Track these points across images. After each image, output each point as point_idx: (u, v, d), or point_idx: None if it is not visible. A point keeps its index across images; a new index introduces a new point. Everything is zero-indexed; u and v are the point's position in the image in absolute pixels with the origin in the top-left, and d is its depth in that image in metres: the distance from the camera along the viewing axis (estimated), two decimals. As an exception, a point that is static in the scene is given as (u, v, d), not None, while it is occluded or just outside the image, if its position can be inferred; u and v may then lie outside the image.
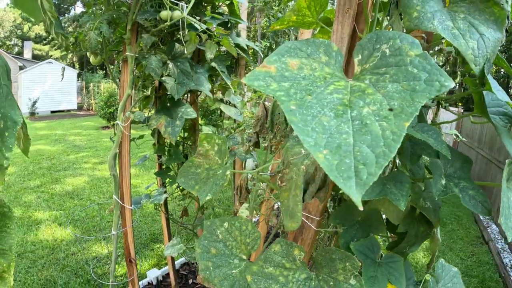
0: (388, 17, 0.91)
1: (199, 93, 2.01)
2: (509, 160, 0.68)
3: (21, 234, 3.45)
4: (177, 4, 1.43)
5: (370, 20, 0.84)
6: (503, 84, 13.48)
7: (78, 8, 32.24)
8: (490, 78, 0.68)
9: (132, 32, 1.56)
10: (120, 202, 1.71)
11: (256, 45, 2.22)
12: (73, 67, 26.07)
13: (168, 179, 1.97)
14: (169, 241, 1.89)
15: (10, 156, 0.63)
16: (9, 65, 0.70)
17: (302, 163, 0.68)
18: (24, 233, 3.48)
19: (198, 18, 1.65)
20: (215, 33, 1.61)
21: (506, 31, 0.72)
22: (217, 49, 1.63)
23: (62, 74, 1.97)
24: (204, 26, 1.54)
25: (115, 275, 2.31)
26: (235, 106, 1.91)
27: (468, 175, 0.82)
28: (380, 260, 0.82)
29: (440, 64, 1.04)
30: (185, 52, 1.61)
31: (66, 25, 26.86)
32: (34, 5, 1.09)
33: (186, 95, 1.98)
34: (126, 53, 1.57)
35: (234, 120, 2.03)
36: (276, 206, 2.24)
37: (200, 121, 2.30)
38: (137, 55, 1.58)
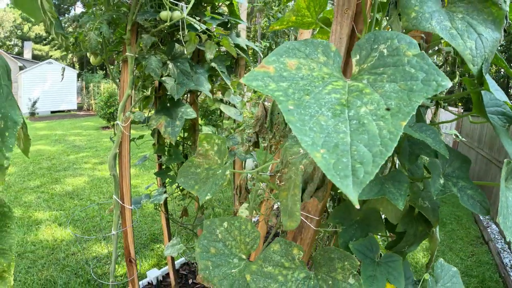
0: (387, 18, 0.91)
1: (199, 93, 2.02)
2: (507, 160, 0.69)
3: (21, 234, 3.45)
4: (177, 5, 1.43)
5: (369, 20, 0.85)
6: (503, 84, 13.48)
7: (78, 9, 32.27)
8: (488, 77, 0.68)
9: (132, 32, 1.56)
10: (120, 202, 1.71)
11: (256, 45, 2.22)
12: (73, 67, 26.08)
13: (168, 179, 1.97)
14: (169, 241, 1.89)
15: (11, 156, 0.63)
16: (9, 65, 0.70)
17: (301, 162, 0.68)
18: (24, 233, 3.48)
19: (198, 18, 1.65)
20: (215, 34, 1.61)
21: (505, 31, 0.73)
22: (217, 49, 1.63)
23: (62, 74, 1.97)
24: (204, 27, 1.55)
25: (115, 275, 2.31)
26: (234, 106, 1.91)
27: (466, 175, 0.82)
28: (379, 259, 0.82)
29: (439, 64, 1.04)
30: (185, 52, 1.61)
31: (66, 25, 26.87)
32: (34, 5, 1.10)
33: (186, 95, 1.98)
34: (126, 54, 1.58)
35: (234, 120, 2.04)
36: (276, 206, 2.24)
37: (200, 121, 2.31)
38: (137, 56, 1.58)
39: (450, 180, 0.79)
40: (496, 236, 3.87)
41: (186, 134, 2.04)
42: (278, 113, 1.00)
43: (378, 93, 0.43)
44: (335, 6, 0.86)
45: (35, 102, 14.26)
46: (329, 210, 1.12)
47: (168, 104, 1.67)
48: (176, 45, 1.62)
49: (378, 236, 1.17)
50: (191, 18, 1.51)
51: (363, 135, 0.37)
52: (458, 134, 1.51)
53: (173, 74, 1.55)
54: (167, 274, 2.51)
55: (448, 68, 1.01)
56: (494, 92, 0.68)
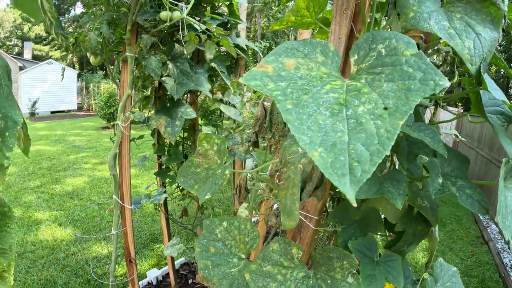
0: (386, 18, 0.92)
1: (198, 93, 2.02)
2: (506, 159, 0.69)
3: (21, 234, 3.45)
4: (176, 5, 1.44)
5: (368, 20, 0.85)
6: (502, 84, 13.48)
7: (78, 9, 32.27)
8: (486, 77, 0.68)
9: (132, 32, 1.57)
10: (120, 202, 1.72)
11: (256, 46, 2.22)
12: (73, 67, 26.09)
13: (168, 179, 1.97)
14: (169, 241, 1.89)
15: (11, 156, 0.63)
16: (9, 65, 0.71)
17: (299, 161, 0.69)
18: (24, 233, 3.48)
19: (197, 18, 1.66)
20: (214, 34, 1.61)
21: (503, 30, 0.73)
22: (216, 49, 1.63)
23: (62, 75, 1.97)
24: (203, 27, 1.55)
25: (115, 275, 2.32)
26: (234, 106, 1.91)
27: (465, 174, 0.82)
28: (378, 258, 0.83)
29: (438, 63, 1.05)
30: (185, 52, 1.62)
31: (66, 25, 26.88)
32: (34, 5, 1.10)
33: (185, 95, 1.98)
34: (126, 54, 1.58)
35: (234, 120, 2.04)
36: (275, 206, 2.24)
37: (199, 121, 2.31)
38: (137, 56, 1.58)
39: (449, 179, 0.80)
40: (496, 236, 3.87)
41: (186, 134, 2.04)
42: (278, 113, 1.00)
43: (376, 93, 0.43)
44: (334, 6, 0.86)
45: (35, 102, 14.26)
46: (328, 210, 1.12)
47: (168, 104, 1.67)
48: (176, 45, 1.62)
49: (378, 236, 1.17)
50: (191, 18, 1.51)
51: (361, 134, 0.37)
52: (458, 134, 1.51)
53: (173, 74, 1.56)
54: (167, 274, 2.52)
55: (447, 68, 1.02)
56: (493, 92, 0.69)
